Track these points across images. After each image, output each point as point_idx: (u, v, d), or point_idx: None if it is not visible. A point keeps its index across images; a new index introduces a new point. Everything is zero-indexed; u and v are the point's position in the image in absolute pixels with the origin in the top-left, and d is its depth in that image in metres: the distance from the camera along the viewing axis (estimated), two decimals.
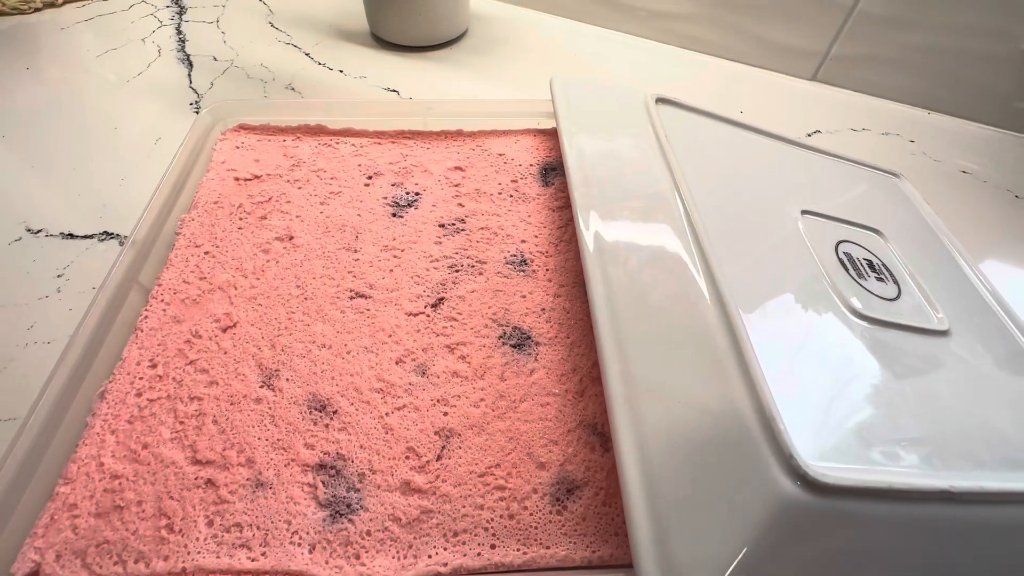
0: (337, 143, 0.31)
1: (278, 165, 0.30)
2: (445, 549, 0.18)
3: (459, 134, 0.33)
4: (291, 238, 0.27)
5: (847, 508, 0.16)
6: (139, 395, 0.21)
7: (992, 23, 0.41)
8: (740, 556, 0.15)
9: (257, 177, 0.29)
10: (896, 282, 0.26)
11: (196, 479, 0.19)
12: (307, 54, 0.49)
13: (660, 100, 0.30)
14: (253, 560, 0.18)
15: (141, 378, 0.21)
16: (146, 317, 0.23)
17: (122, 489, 0.19)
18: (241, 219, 0.27)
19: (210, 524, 0.18)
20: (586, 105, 0.30)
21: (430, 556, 0.18)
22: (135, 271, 0.24)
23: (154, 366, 0.22)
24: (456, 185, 0.30)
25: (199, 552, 0.18)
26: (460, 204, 0.29)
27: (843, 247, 0.26)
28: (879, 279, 0.25)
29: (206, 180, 0.28)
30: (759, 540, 0.15)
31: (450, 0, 0.48)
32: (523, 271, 0.26)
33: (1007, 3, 0.40)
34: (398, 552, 0.18)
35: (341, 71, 0.47)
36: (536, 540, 0.19)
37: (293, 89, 0.45)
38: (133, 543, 0.18)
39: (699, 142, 0.29)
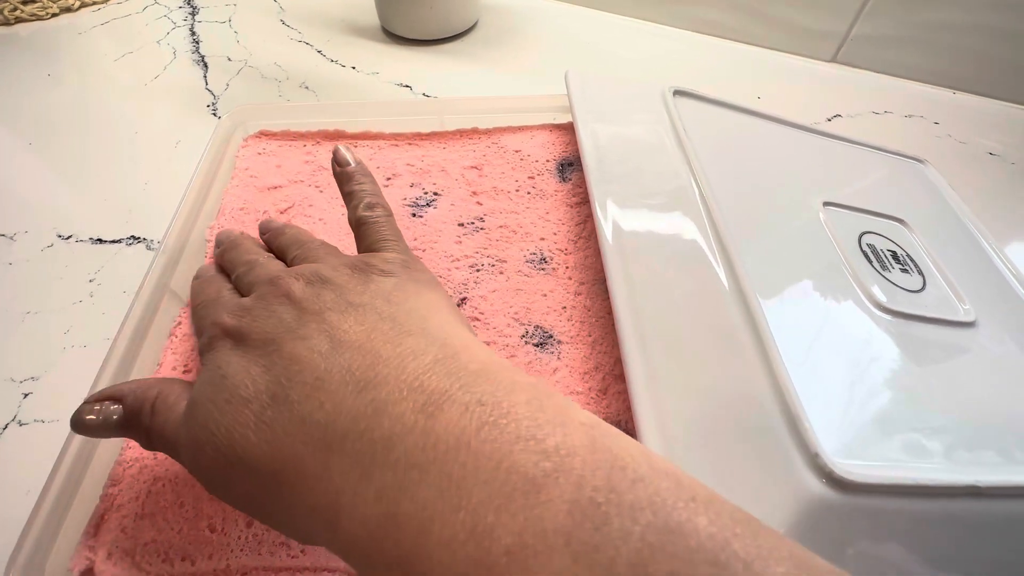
0: (355, 146, 0.32)
1: (299, 171, 0.30)
2: None
3: (475, 132, 0.33)
4: None
5: (873, 505, 0.16)
6: None
7: None
8: None
9: (280, 185, 0.29)
10: (921, 273, 0.25)
11: None
12: (319, 51, 0.49)
13: (678, 92, 0.29)
14: (293, 557, 0.18)
15: None
16: (179, 323, 0.24)
17: (164, 491, 0.20)
18: None
19: (250, 525, 0.19)
20: (602, 99, 0.30)
21: None
22: (167, 278, 0.25)
23: (188, 371, 0.23)
24: (473, 183, 0.30)
25: (242, 550, 0.18)
26: (478, 203, 0.29)
27: (866, 238, 0.26)
28: (903, 270, 0.25)
29: (231, 187, 0.29)
30: (784, 536, 0.16)
31: None
32: (543, 269, 0.26)
33: None
34: None
35: (353, 68, 0.47)
36: None
37: (307, 88, 0.45)
38: (178, 542, 0.19)
39: (719, 134, 0.29)
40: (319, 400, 0.14)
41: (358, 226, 0.21)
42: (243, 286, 0.20)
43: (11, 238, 0.34)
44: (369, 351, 0.14)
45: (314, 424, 0.14)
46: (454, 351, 0.14)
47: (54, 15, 0.52)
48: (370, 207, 0.21)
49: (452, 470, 0.12)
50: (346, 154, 0.22)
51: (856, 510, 0.16)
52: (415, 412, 0.13)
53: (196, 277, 0.23)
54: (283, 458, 0.14)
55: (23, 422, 0.26)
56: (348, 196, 0.21)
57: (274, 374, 0.15)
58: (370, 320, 0.15)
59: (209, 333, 0.17)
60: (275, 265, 0.20)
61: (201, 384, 0.16)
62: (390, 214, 0.21)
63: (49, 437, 0.26)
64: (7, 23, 0.51)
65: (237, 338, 0.16)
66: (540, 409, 0.13)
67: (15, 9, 0.51)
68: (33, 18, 0.51)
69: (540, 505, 0.11)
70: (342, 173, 0.22)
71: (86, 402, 0.17)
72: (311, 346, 0.15)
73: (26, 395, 0.27)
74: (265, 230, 0.24)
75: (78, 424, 0.17)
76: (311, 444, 0.13)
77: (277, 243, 0.22)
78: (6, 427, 0.26)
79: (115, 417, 0.17)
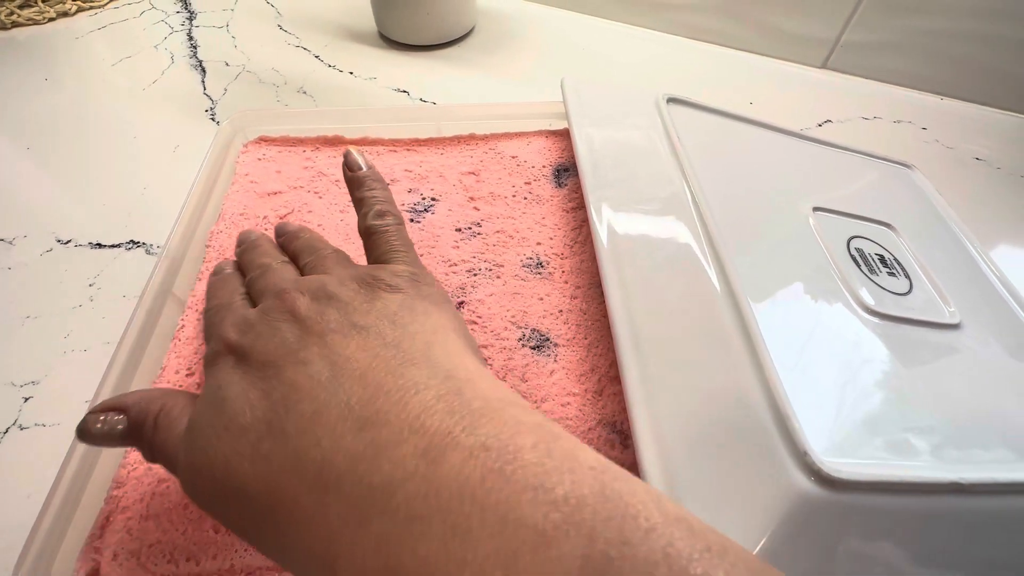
0: None
1: (298, 176, 0.31)
2: None
3: (471, 138, 0.33)
4: None
5: (860, 502, 0.17)
6: None
7: (1004, 5, 0.41)
8: (756, 549, 0.16)
9: (280, 191, 0.30)
10: (908, 276, 0.26)
11: None
12: (317, 56, 0.49)
13: (671, 100, 0.30)
14: None
15: (180, 386, 0.23)
16: (183, 327, 0.24)
17: (168, 492, 0.20)
18: (267, 230, 0.28)
19: None
20: (598, 106, 0.31)
21: None
22: (169, 282, 0.25)
23: (191, 374, 0.23)
24: (470, 189, 0.31)
25: (246, 550, 0.19)
26: (475, 208, 0.30)
27: (855, 243, 0.27)
28: (891, 274, 0.26)
29: (231, 192, 0.29)
30: (775, 534, 0.16)
31: None
32: (540, 273, 0.27)
33: None
34: None
35: (351, 73, 0.47)
36: None
37: (305, 92, 0.45)
38: (183, 543, 0.19)
39: (711, 141, 0.29)
40: (316, 435, 0.13)
41: (368, 235, 0.20)
42: (254, 292, 0.19)
43: (10, 243, 0.34)
44: (371, 382, 0.14)
45: (310, 461, 0.13)
46: (457, 386, 0.14)
47: (51, 19, 0.52)
48: (380, 215, 0.20)
49: (456, 521, 0.11)
50: (357, 158, 0.21)
51: (844, 507, 0.16)
52: (416, 457, 0.12)
53: (214, 273, 0.22)
54: (279, 494, 0.13)
55: (24, 426, 0.26)
56: (358, 203, 0.21)
57: (272, 401, 0.14)
58: (373, 346, 0.15)
59: (213, 347, 0.17)
60: (286, 272, 0.19)
61: (202, 404, 0.15)
62: (401, 223, 0.20)
63: (50, 441, 0.26)
64: (4, 27, 0.51)
65: (240, 355, 0.16)
66: (547, 454, 0.12)
67: (11, 14, 0.51)
68: (30, 22, 0.51)
69: (551, 561, 0.10)
70: (352, 178, 0.21)
71: (91, 412, 0.17)
72: (311, 373, 0.14)
73: (27, 399, 0.27)
74: (280, 233, 0.23)
75: (84, 433, 0.17)
76: (307, 482, 0.13)
77: (292, 247, 0.22)
78: (7, 431, 0.26)
79: (119, 428, 0.16)
